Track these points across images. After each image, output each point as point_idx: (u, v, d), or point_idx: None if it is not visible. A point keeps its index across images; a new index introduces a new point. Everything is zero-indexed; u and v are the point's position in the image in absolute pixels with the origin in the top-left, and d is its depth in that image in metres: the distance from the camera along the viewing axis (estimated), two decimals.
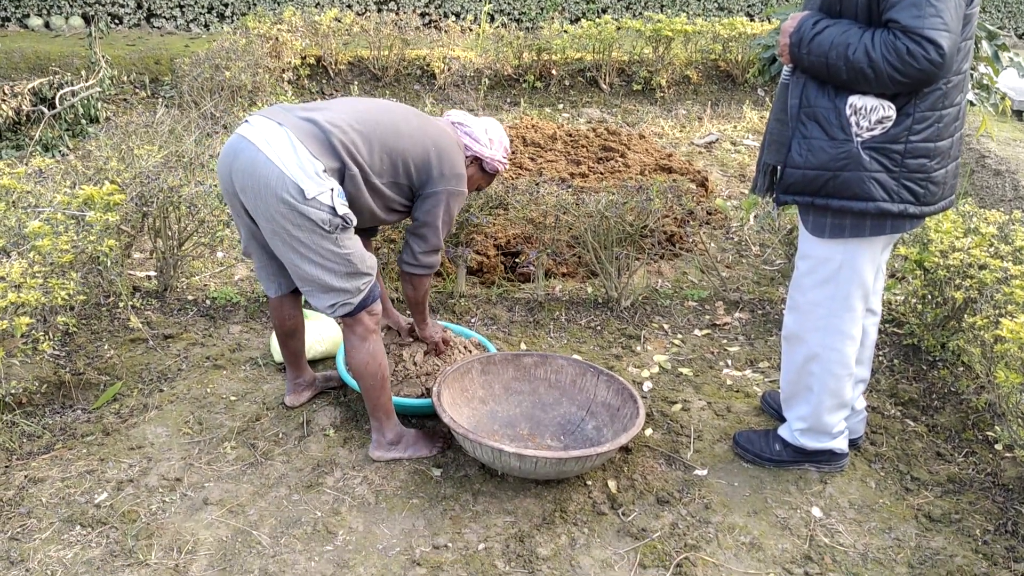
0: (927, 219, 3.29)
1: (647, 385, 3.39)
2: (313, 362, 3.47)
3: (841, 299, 2.61)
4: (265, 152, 2.53)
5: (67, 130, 6.08)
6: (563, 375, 3.15)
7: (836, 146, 2.41)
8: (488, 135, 2.98)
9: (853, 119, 2.37)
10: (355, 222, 2.64)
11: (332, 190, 2.55)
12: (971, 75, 4.81)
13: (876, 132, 2.36)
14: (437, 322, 3.24)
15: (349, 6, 9.85)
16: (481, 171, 3.04)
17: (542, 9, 10.06)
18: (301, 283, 2.70)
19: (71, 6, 9.21)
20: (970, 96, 4.75)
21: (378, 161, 2.69)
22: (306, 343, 3.24)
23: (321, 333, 3.50)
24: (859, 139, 2.38)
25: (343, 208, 2.58)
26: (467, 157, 2.96)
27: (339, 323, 2.93)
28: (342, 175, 2.62)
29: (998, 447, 3.00)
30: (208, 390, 3.27)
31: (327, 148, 2.59)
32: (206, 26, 9.65)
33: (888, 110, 2.34)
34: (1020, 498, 2.76)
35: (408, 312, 3.48)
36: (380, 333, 2.83)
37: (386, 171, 2.73)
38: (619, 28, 7.77)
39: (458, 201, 2.88)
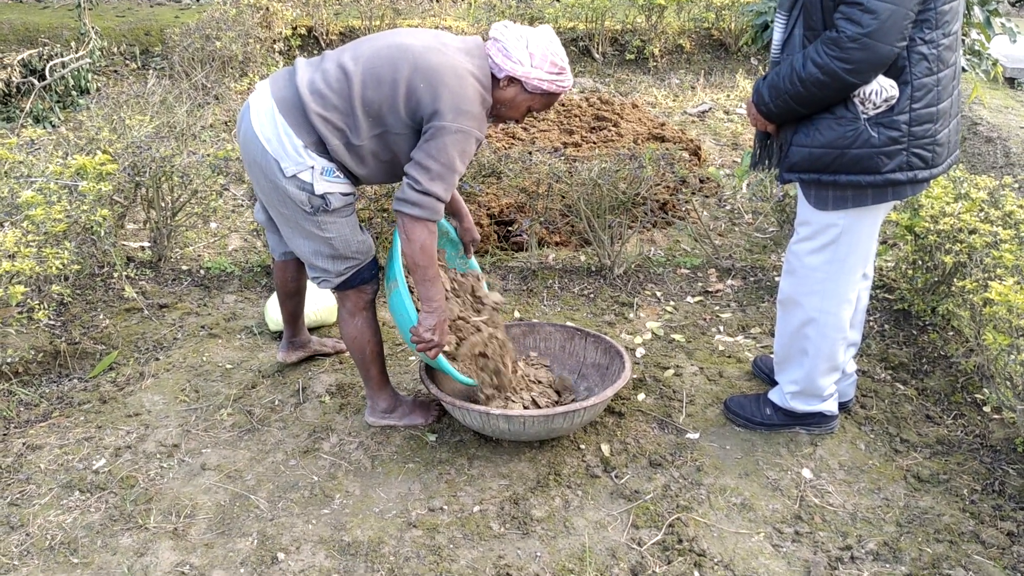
0: None
1: (640, 351, 3.42)
2: (310, 329, 3.48)
3: (839, 264, 2.62)
4: (254, 125, 2.51)
5: (57, 102, 6.04)
6: (552, 342, 3.17)
7: (843, 124, 2.41)
8: (529, 48, 2.49)
9: (858, 101, 2.38)
10: (335, 204, 2.54)
11: (313, 168, 2.48)
12: (963, 40, 4.80)
13: (883, 109, 2.38)
14: (449, 310, 2.60)
15: None
16: (525, 92, 2.56)
17: None
18: (293, 249, 2.72)
19: None
20: (962, 62, 4.74)
21: (363, 118, 2.47)
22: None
23: (317, 303, 3.51)
24: (865, 116, 2.39)
25: (323, 187, 2.50)
26: (503, 78, 2.53)
27: None
28: (324, 147, 2.49)
29: (986, 409, 3.04)
30: (204, 359, 3.29)
31: (303, 122, 2.47)
32: None
33: (892, 89, 2.35)
34: (1007, 459, 2.80)
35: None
36: (371, 310, 2.78)
37: (378, 121, 2.49)
38: None
39: (459, 140, 2.43)
